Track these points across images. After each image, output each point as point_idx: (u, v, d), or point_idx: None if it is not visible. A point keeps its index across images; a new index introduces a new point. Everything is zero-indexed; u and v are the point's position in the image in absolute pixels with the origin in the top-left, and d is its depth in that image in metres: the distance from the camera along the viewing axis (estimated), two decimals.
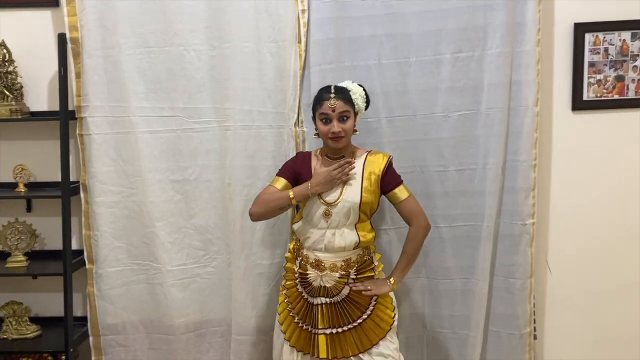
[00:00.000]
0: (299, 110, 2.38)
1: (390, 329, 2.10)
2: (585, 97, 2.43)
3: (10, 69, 2.48)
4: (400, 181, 2.12)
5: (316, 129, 2.10)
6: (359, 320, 2.08)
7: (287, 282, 2.18)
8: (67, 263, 2.39)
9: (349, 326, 2.08)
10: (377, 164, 2.10)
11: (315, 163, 2.14)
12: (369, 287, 2.06)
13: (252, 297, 2.45)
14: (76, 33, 2.37)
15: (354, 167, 2.05)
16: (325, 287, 2.08)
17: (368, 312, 2.08)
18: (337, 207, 2.04)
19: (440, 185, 2.41)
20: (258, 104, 2.36)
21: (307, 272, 2.10)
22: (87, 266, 2.49)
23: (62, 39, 2.37)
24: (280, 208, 2.09)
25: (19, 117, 2.47)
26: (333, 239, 2.05)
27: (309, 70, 2.37)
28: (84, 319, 2.55)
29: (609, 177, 2.48)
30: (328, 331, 2.08)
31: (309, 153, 2.20)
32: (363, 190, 2.06)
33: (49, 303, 2.67)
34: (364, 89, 2.11)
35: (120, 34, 2.36)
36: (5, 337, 2.54)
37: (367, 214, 2.10)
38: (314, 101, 2.10)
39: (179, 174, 2.43)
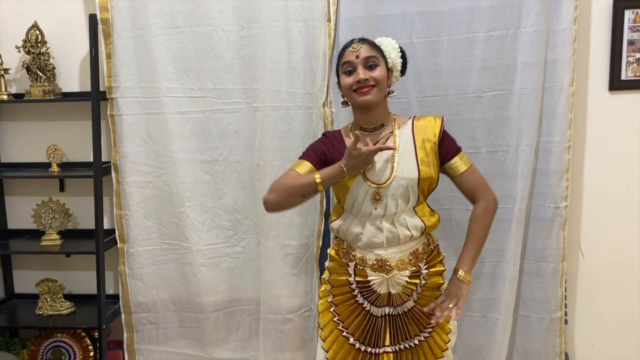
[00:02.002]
0: (327, 90, 2.35)
1: (444, 357, 1.83)
2: (623, 77, 2.35)
3: (43, 50, 2.51)
4: (459, 147, 1.78)
5: (343, 97, 1.79)
6: (416, 341, 1.80)
7: (337, 298, 1.82)
8: (99, 242, 2.44)
9: (408, 344, 1.79)
10: (431, 128, 1.73)
11: (348, 138, 1.77)
12: (451, 305, 1.73)
13: (280, 277, 2.46)
14: (107, 14, 2.37)
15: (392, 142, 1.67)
16: (390, 293, 1.76)
17: (426, 333, 1.81)
18: (390, 188, 1.67)
19: None
20: (287, 85, 2.34)
21: (369, 278, 1.74)
22: (119, 245, 2.53)
23: (93, 20, 2.38)
24: (303, 195, 1.70)
25: (52, 97, 2.51)
26: (394, 229, 1.69)
27: (339, 50, 2.33)
28: (116, 297, 2.61)
29: None
30: (394, 348, 1.79)
31: (339, 132, 1.86)
32: (419, 162, 1.69)
33: (82, 281, 2.73)
34: (400, 47, 1.80)
35: (149, 14, 2.35)
36: (40, 313, 2.61)
37: (425, 193, 1.76)
38: (337, 59, 1.80)
39: (208, 154, 2.44)
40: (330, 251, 1.88)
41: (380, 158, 1.68)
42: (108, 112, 2.45)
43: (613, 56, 2.34)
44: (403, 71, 1.83)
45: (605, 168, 2.43)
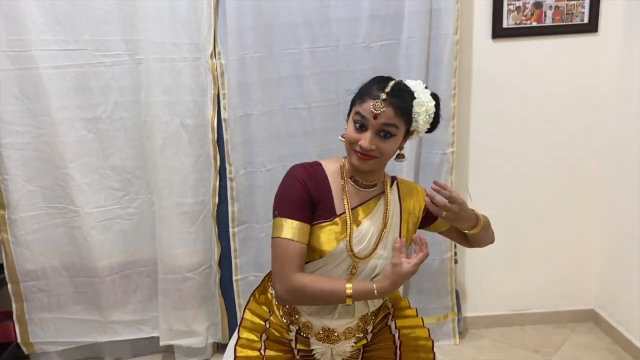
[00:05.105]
0: (215, 41, 2.26)
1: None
2: (505, 25, 2.43)
3: None
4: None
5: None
6: None
7: (272, 353, 1.52)
8: None
9: None
10: (415, 200, 1.52)
11: (336, 184, 1.45)
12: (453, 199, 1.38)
13: (177, 235, 2.40)
14: None
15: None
16: None
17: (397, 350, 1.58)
18: (367, 264, 1.43)
19: None
20: (170, 35, 2.22)
21: (312, 347, 1.51)
22: None
23: None
24: (327, 305, 1.46)
25: None
26: (352, 305, 1.43)
27: None
28: (1, 267, 2.45)
29: (527, 104, 2.53)
30: None
31: (319, 166, 1.47)
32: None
33: None
34: (438, 102, 1.44)
35: None
36: None
37: None
38: (358, 91, 1.43)
39: (90, 111, 2.30)
40: (267, 300, 1.57)
41: (369, 228, 1.44)
42: None
43: (495, 4, 2.40)
44: (430, 131, 1.46)
45: (490, 114, 2.54)
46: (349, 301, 1.34)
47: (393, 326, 1.60)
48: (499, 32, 2.43)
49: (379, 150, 1.37)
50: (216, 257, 2.47)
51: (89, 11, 2.20)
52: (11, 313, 2.47)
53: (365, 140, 1.35)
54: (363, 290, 1.34)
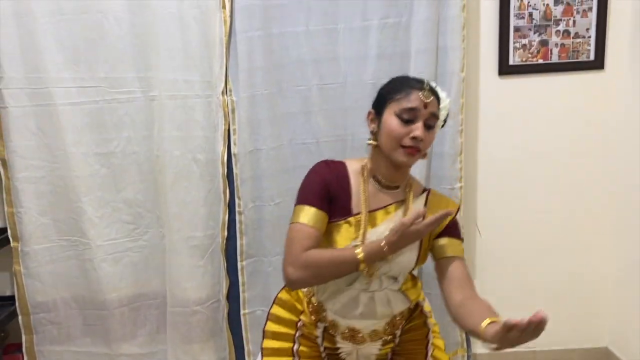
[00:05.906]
0: (226, 78, 2.32)
1: None
2: (511, 62, 2.46)
3: None
4: (460, 236, 1.52)
5: (373, 132, 1.49)
6: None
7: (304, 349, 1.56)
8: None
9: None
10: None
11: (356, 184, 1.46)
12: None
13: (187, 269, 2.42)
14: None
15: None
16: None
17: None
18: (382, 268, 1.41)
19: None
20: (183, 73, 2.28)
21: (337, 346, 1.52)
22: (12, 244, 2.41)
23: None
24: (338, 275, 1.40)
25: None
26: (372, 305, 1.45)
27: (235, 38, 2.30)
28: (13, 298, 2.48)
29: (534, 140, 2.55)
30: None
31: (342, 164, 1.50)
32: (422, 251, 1.45)
33: None
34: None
35: None
36: None
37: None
38: (389, 89, 1.46)
39: (103, 146, 2.35)
40: (299, 298, 1.59)
41: (385, 231, 1.37)
42: None
43: (501, 42, 2.44)
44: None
45: (497, 150, 2.55)
46: (362, 266, 1.32)
47: (430, 352, 1.60)
48: (505, 69, 2.47)
49: (424, 142, 1.38)
50: (224, 290, 2.48)
51: (105, 50, 2.28)
52: (21, 345, 2.49)
53: (419, 129, 1.36)
54: (373, 250, 1.32)
